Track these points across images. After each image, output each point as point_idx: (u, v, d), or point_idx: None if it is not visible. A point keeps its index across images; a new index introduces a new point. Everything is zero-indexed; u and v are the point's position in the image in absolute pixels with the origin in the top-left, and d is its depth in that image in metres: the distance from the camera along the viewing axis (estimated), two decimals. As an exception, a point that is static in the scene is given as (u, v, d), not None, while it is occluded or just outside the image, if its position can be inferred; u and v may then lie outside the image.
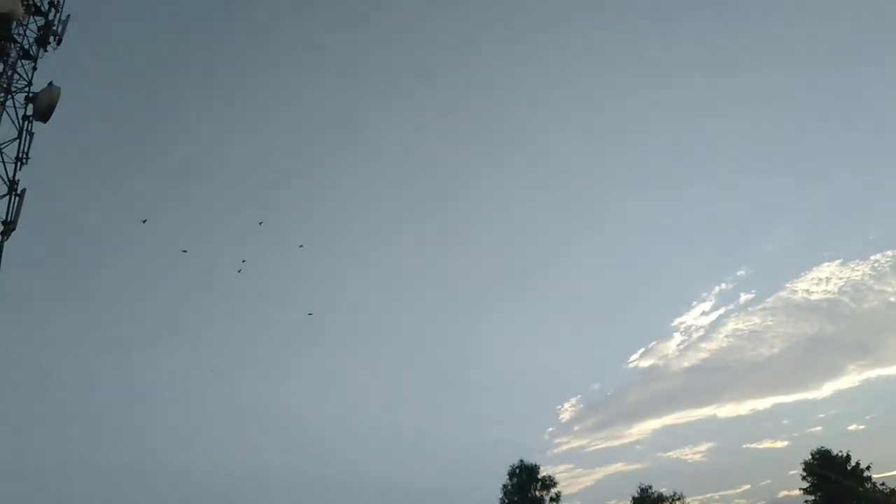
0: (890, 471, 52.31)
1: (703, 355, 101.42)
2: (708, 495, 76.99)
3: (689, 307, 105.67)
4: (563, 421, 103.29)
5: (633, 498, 53.71)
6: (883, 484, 48.98)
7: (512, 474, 54.53)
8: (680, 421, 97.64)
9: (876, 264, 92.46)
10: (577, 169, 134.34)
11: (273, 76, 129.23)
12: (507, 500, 53.57)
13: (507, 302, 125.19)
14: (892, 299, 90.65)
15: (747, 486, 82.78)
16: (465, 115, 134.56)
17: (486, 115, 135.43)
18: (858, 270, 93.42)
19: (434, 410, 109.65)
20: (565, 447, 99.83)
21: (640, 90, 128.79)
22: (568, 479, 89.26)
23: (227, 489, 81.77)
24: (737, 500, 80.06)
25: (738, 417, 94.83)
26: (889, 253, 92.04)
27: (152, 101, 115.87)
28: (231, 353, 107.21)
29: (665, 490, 53.28)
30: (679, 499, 52.42)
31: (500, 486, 54.45)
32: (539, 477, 54.02)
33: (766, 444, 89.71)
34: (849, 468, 49.90)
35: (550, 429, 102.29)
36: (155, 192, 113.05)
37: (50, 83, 21.54)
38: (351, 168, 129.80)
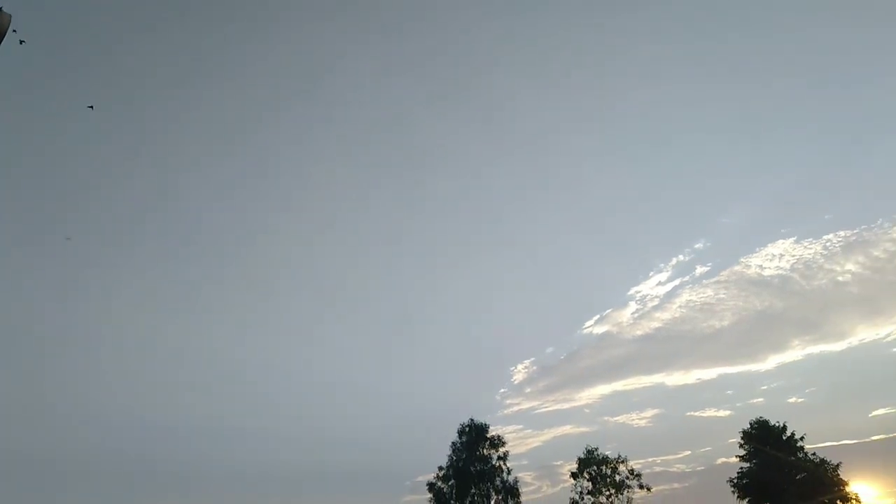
0: (822, 442, 54.66)
1: (656, 324, 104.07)
2: (650, 459, 79.97)
3: (646, 277, 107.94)
4: (515, 382, 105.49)
5: (579, 459, 55.13)
6: (814, 454, 51.27)
7: (462, 433, 55.34)
8: (629, 387, 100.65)
9: (828, 244, 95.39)
10: (540, 136, 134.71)
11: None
12: (455, 458, 54.34)
13: (466, 263, 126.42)
14: (840, 279, 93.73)
15: (688, 452, 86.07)
16: (437, 78, 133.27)
17: (456, 78, 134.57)
18: (811, 249, 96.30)
19: (389, 368, 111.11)
20: (516, 408, 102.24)
21: (607, 68, 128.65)
22: (517, 439, 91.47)
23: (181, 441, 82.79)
24: (677, 465, 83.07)
25: (685, 386, 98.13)
26: (841, 233, 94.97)
27: (115, 34, 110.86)
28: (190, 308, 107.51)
29: (610, 452, 54.95)
30: (622, 461, 54.06)
31: (450, 443, 55.19)
32: (488, 436, 55.01)
33: (710, 413, 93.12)
34: (784, 438, 52.01)
35: (503, 390, 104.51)
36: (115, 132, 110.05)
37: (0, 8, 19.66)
38: (314, 128, 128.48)
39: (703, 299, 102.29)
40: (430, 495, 53.98)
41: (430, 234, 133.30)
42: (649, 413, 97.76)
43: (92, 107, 49.33)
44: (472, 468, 53.78)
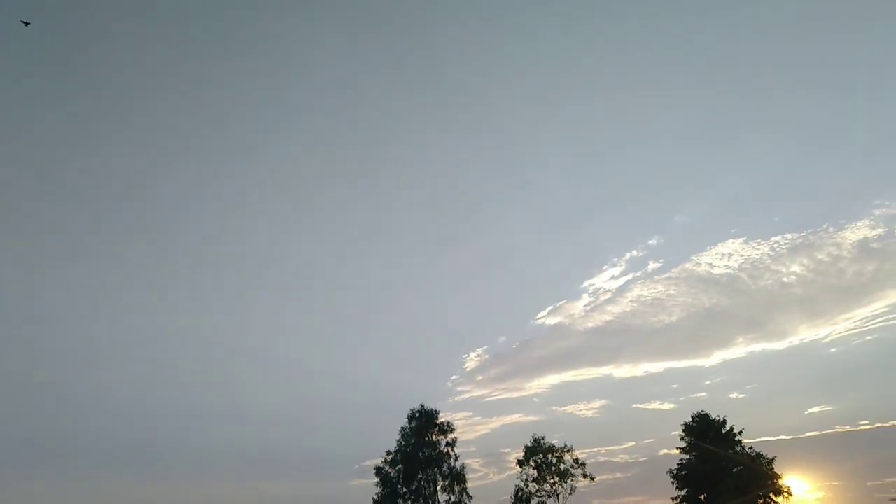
0: (759, 437, 56.57)
1: (607, 317, 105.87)
2: (595, 449, 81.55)
3: (599, 270, 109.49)
4: (467, 370, 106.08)
5: (526, 447, 55.68)
6: (751, 448, 53.04)
7: (411, 418, 55.26)
8: (578, 378, 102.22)
9: (775, 245, 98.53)
10: (499, 132, 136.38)
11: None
12: (403, 443, 54.21)
13: (423, 252, 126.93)
14: (785, 279, 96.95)
15: (632, 443, 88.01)
16: (407, 77, 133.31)
17: (424, 77, 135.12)
18: (759, 250, 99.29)
19: (341, 352, 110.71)
20: (467, 395, 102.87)
21: (569, 60, 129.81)
22: (466, 426, 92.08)
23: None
24: (621, 455, 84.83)
25: (633, 379, 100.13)
26: (788, 235, 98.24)
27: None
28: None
29: (556, 441, 55.72)
30: (568, 450, 54.86)
31: (399, 428, 55.06)
32: (438, 422, 55.02)
33: (655, 406, 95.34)
34: (723, 432, 53.61)
35: (454, 377, 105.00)
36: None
37: None
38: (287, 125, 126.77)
39: (653, 294, 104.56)
40: (377, 479, 53.90)
41: (387, 224, 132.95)
42: (597, 404, 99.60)
43: (27, 23, 45.36)
44: (420, 453, 53.79)
